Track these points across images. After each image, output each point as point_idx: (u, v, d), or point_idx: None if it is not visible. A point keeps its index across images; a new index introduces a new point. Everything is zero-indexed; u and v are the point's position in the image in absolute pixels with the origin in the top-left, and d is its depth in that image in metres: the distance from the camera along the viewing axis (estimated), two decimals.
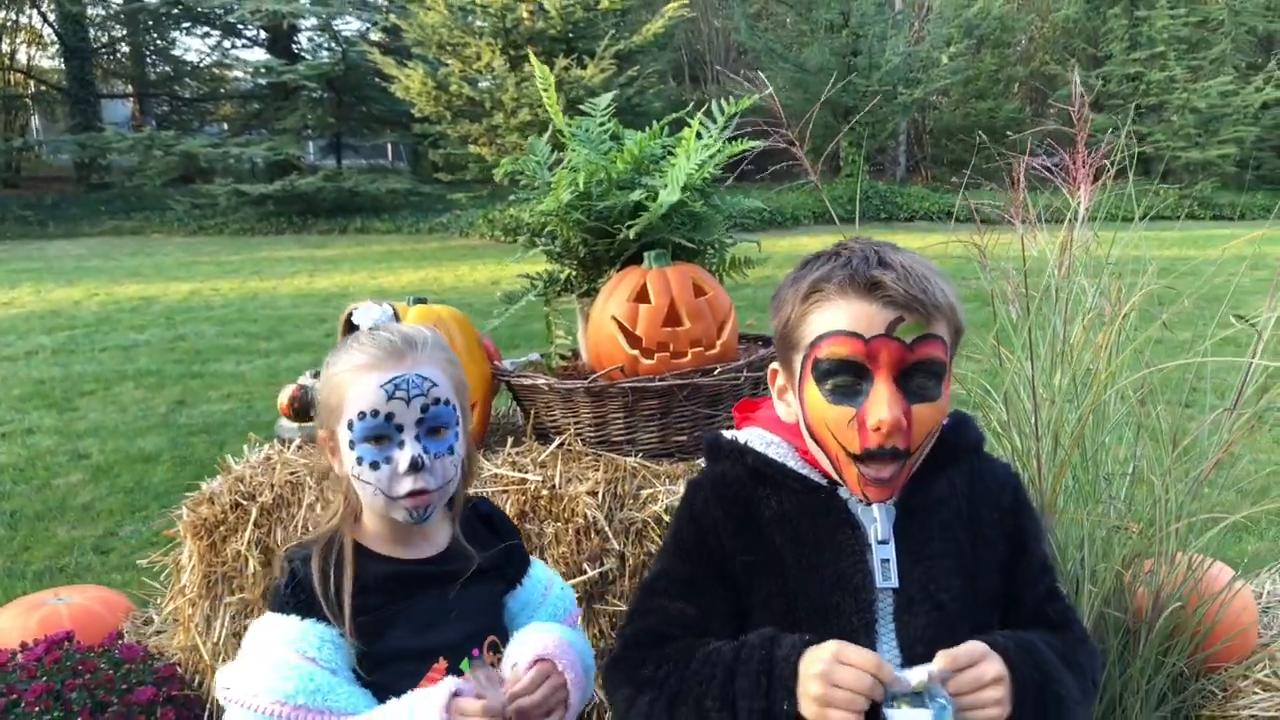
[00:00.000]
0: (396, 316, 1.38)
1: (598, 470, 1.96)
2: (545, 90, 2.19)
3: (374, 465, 1.28)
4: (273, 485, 2.04)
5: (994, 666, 1.12)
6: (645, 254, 2.03)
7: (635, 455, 2.00)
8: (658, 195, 1.99)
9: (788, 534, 1.27)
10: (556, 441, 2.04)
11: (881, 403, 1.17)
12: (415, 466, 1.27)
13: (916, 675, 1.10)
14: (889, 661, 1.22)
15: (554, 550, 1.94)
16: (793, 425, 1.30)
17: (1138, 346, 2.28)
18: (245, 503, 2.05)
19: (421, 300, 2.12)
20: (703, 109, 2.14)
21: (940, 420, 1.23)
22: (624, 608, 1.88)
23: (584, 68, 12.51)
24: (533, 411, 2.11)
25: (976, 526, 1.31)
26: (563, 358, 2.16)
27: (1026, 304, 2.23)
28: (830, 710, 1.07)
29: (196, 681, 2.12)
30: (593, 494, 1.91)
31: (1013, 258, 2.27)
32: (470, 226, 14.45)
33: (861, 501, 1.26)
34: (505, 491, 1.96)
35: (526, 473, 1.97)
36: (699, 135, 2.11)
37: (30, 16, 21.15)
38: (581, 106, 2.30)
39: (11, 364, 7.20)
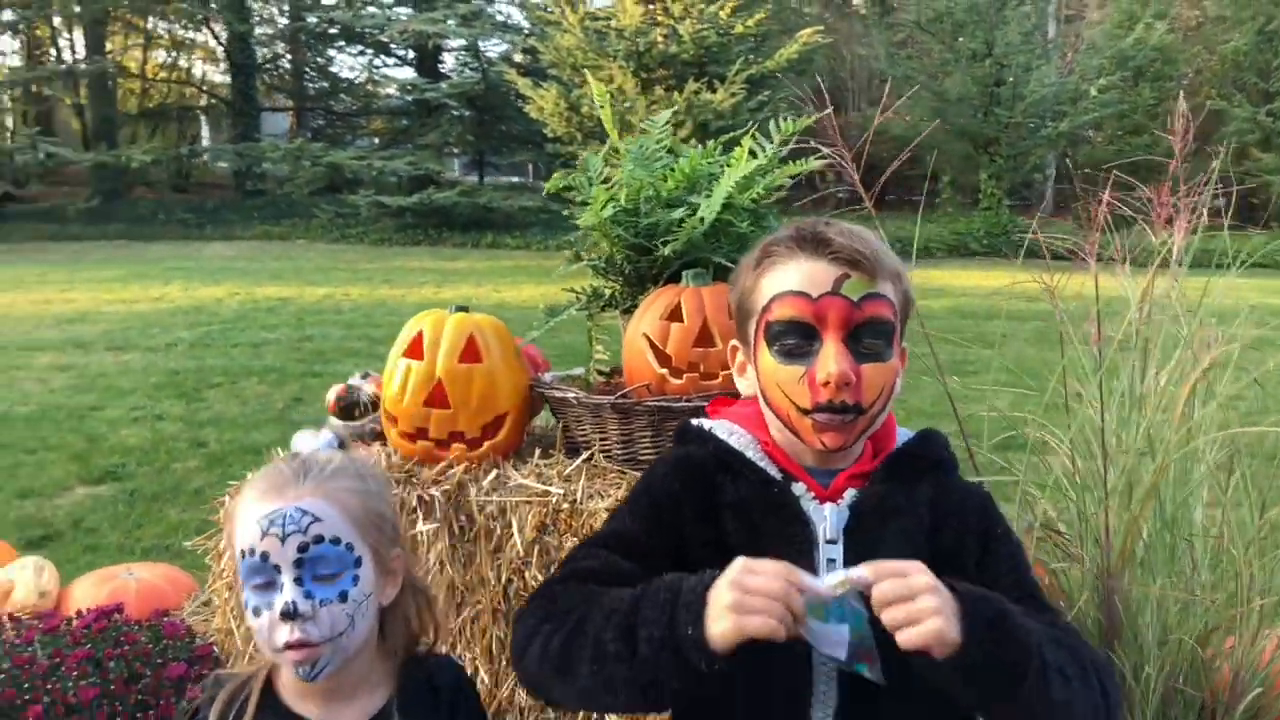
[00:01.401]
0: (342, 445, 1.27)
1: (620, 488, 1.93)
2: (602, 108, 2.18)
3: (256, 611, 1.15)
4: None
5: (925, 578, 1.04)
6: (684, 272, 2.00)
7: None
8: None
9: (740, 522, 1.26)
10: (583, 456, 2.02)
11: (830, 358, 1.19)
12: (287, 614, 1.12)
13: (833, 578, 1.03)
14: (825, 666, 1.19)
15: None
16: (757, 416, 1.31)
17: (1222, 402, 2.11)
18: None
19: (463, 309, 2.14)
20: (752, 127, 2.10)
21: (891, 382, 1.24)
22: None
23: (714, 92, 12.55)
24: (564, 425, 2.10)
25: (940, 541, 1.27)
26: (602, 374, 2.14)
27: (1099, 348, 2.09)
28: (747, 618, 0.99)
29: (230, 664, 2.18)
30: (610, 511, 1.88)
31: (1092, 298, 2.14)
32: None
33: (819, 449, 1.23)
34: (529, 503, 1.95)
35: (550, 484, 1.96)
36: (752, 154, 2.06)
37: (206, 35, 22.68)
38: (641, 125, 2.28)
39: (153, 354, 7.68)
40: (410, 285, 11.78)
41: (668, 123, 2.24)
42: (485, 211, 16.26)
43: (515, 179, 21.83)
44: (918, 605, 1.02)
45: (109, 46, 21.16)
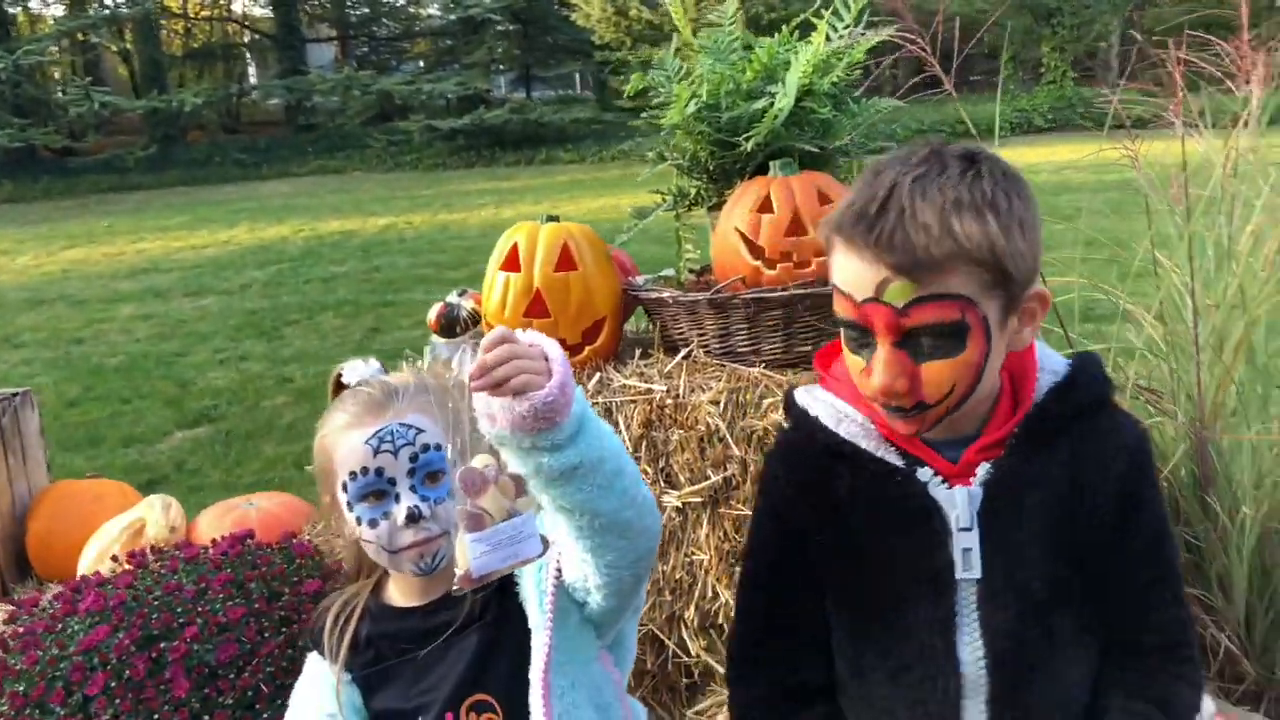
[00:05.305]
0: (384, 371, 1.34)
1: (721, 380, 1.99)
2: (672, 3, 2.18)
3: (372, 523, 1.25)
4: None
5: None
6: (770, 163, 2.02)
7: (759, 366, 2.01)
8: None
9: (863, 514, 1.19)
10: (682, 353, 2.08)
11: (879, 367, 1.08)
12: (413, 518, 1.24)
13: None
14: (973, 656, 1.17)
15: (678, 457, 2.00)
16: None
17: None
18: None
19: (554, 219, 2.19)
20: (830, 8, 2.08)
21: (966, 374, 1.08)
22: (746, 511, 1.92)
23: None
24: (660, 325, 2.15)
25: (1081, 500, 1.16)
26: (692, 272, 2.18)
27: (1187, 208, 2.07)
28: None
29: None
30: (715, 403, 1.95)
31: (1174, 164, 2.11)
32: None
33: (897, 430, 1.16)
34: (633, 402, 2.03)
35: (653, 383, 2.02)
36: (828, 38, 2.05)
37: None
38: (711, 16, 2.28)
39: (228, 297, 7.88)
40: (470, 208, 11.83)
41: (735, 14, 2.24)
42: (537, 127, 16.18)
43: (564, 91, 21.55)
44: None
45: None
